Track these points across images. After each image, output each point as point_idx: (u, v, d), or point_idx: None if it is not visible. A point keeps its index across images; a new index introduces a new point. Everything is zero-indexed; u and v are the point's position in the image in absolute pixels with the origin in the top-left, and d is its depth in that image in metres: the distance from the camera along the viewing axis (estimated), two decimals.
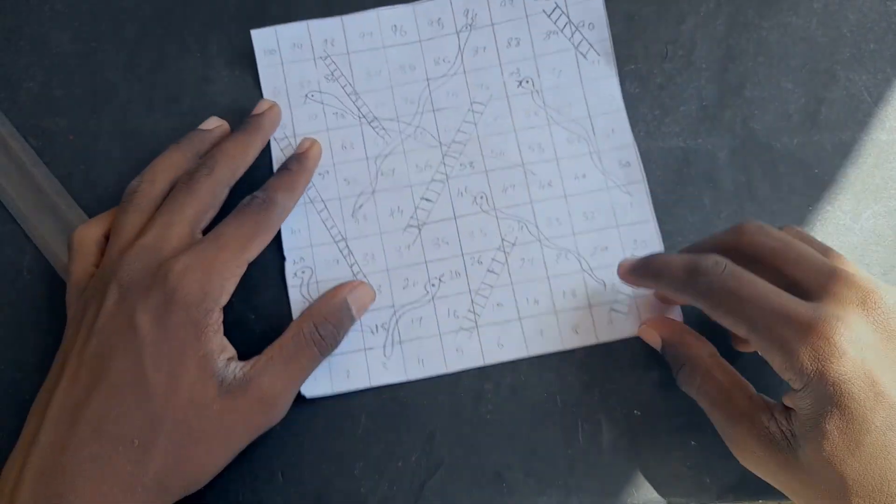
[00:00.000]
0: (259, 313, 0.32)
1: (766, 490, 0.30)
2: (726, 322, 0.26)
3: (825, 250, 0.27)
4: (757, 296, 0.25)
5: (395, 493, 0.30)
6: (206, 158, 0.30)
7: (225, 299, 0.27)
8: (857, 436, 0.23)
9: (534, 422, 0.31)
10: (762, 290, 0.25)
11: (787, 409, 0.25)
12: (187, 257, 0.27)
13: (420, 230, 0.33)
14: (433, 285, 0.32)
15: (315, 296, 0.32)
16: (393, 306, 0.32)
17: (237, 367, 0.27)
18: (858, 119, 0.35)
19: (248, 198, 0.30)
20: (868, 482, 0.23)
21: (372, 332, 0.32)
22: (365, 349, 0.32)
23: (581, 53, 0.35)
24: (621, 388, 0.31)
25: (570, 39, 0.35)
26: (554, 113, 0.34)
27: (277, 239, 0.33)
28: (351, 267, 0.33)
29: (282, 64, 0.35)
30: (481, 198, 0.33)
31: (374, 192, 0.34)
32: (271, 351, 0.28)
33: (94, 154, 0.34)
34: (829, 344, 0.23)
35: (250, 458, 0.30)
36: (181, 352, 0.26)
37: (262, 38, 0.35)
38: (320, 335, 0.29)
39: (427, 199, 0.33)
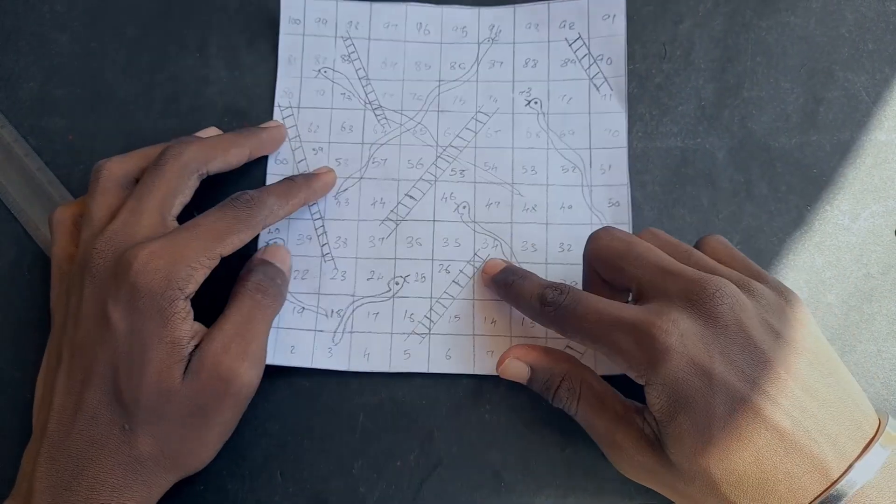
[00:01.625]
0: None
1: None
2: (575, 340, 0.27)
3: (684, 250, 0.28)
4: (593, 311, 0.26)
5: (394, 493, 0.30)
6: (182, 144, 0.29)
7: (192, 289, 0.27)
8: (705, 425, 0.24)
9: (532, 421, 0.31)
10: (596, 306, 0.26)
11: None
12: (155, 244, 0.26)
13: (397, 225, 0.33)
14: (397, 283, 0.32)
15: None
16: (353, 295, 0.32)
17: (197, 351, 0.27)
18: (857, 119, 0.35)
19: (238, 192, 0.29)
20: (733, 470, 0.23)
21: (326, 315, 0.32)
22: (315, 330, 0.32)
23: (595, 85, 0.35)
24: (618, 388, 0.31)
25: (586, 70, 0.35)
26: (555, 138, 0.34)
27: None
28: (322, 247, 0.33)
29: (303, 35, 0.35)
30: (464, 207, 0.33)
31: (361, 178, 0.34)
32: (222, 322, 0.28)
33: (93, 154, 0.34)
34: (655, 342, 0.24)
35: (249, 458, 0.31)
36: (148, 340, 0.26)
37: (290, 6, 0.35)
38: (256, 281, 0.29)
39: (411, 197, 0.33)
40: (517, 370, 0.30)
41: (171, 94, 0.35)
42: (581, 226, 0.33)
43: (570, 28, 0.35)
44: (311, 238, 0.33)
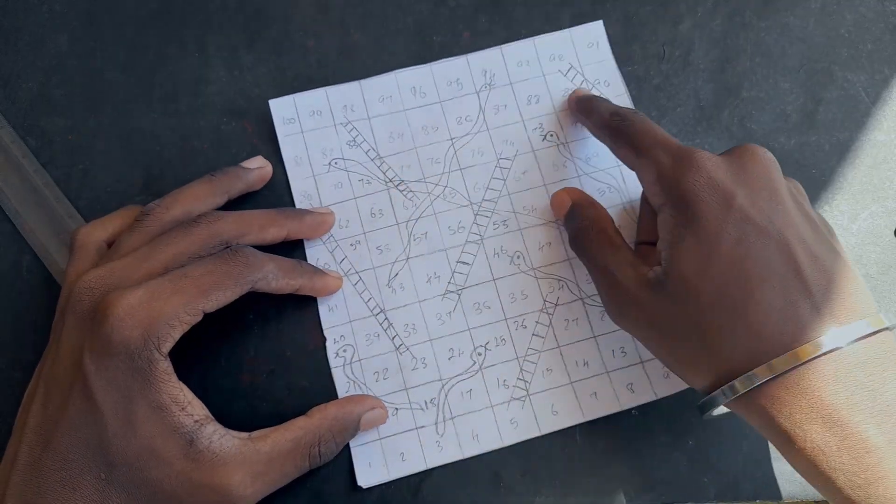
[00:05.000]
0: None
1: (764, 490, 0.30)
2: (622, 151, 0.30)
3: None
4: (649, 129, 0.29)
5: (393, 492, 0.30)
6: (222, 212, 0.29)
7: (168, 346, 0.25)
8: (711, 246, 0.25)
9: None
10: (655, 128, 0.29)
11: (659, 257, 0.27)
12: (134, 296, 0.25)
13: (460, 295, 0.32)
14: (479, 354, 0.31)
15: (359, 375, 0.31)
16: (441, 379, 0.31)
17: (216, 436, 0.25)
18: (856, 119, 0.35)
19: (235, 246, 0.28)
20: (723, 298, 0.25)
21: (422, 409, 0.31)
22: (416, 428, 0.31)
23: None
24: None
25: None
26: (582, 164, 0.34)
27: (316, 315, 0.32)
28: (392, 339, 0.31)
29: (302, 132, 0.34)
30: (518, 257, 0.33)
31: (408, 258, 0.33)
32: (261, 441, 0.26)
33: (92, 154, 0.34)
34: (690, 159, 0.26)
35: None
36: (131, 399, 0.25)
37: (280, 107, 0.34)
38: (319, 452, 0.28)
39: (463, 262, 0.33)
40: (560, 200, 0.32)
41: (171, 94, 0.35)
42: (635, 243, 0.32)
43: (560, 60, 0.35)
44: (378, 335, 0.32)
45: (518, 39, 0.35)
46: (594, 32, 0.36)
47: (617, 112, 0.30)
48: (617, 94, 0.35)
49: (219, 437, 0.25)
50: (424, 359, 0.31)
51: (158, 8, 0.36)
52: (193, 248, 0.27)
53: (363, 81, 0.35)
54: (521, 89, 0.35)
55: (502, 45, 0.35)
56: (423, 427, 0.31)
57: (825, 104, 0.35)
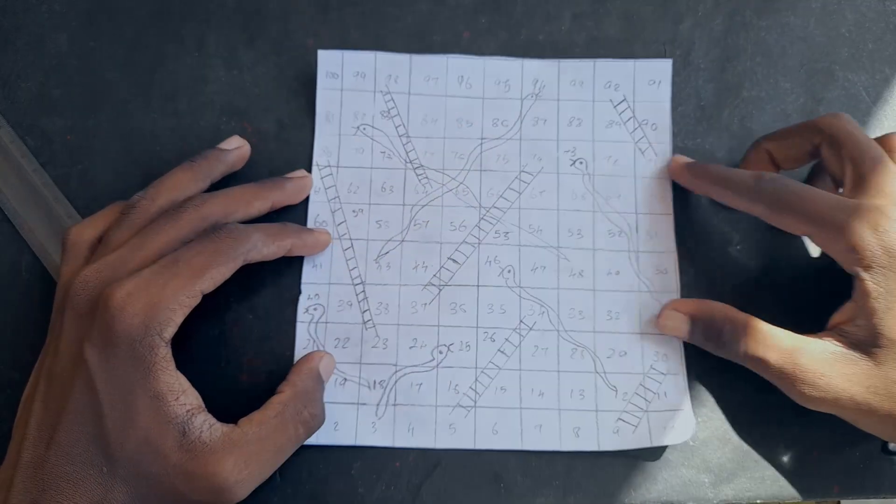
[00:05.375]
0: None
1: (765, 490, 0.30)
2: (787, 220, 0.28)
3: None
4: (815, 193, 0.27)
5: (393, 494, 0.30)
6: (206, 194, 0.29)
7: (170, 332, 0.26)
8: None
9: None
10: (818, 190, 0.27)
11: (839, 326, 0.27)
12: (131, 284, 0.25)
13: (440, 291, 0.32)
14: (440, 352, 0.31)
15: (321, 336, 0.31)
16: (395, 364, 0.31)
17: (206, 426, 0.26)
18: (857, 119, 0.34)
19: (221, 224, 0.28)
20: None
21: (369, 387, 0.31)
22: (358, 404, 0.31)
23: (640, 150, 0.34)
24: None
25: (630, 134, 0.34)
26: (601, 200, 0.33)
27: (298, 265, 0.32)
28: (363, 314, 0.32)
29: (341, 90, 0.34)
30: (508, 272, 0.32)
31: (403, 241, 0.33)
32: (247, 425, 0.26)
33: (91, 154, 0.34)
34: (885, 217, 0.25)
35: None
36: (131, 390, 0.25)
37: (328, 60, 0.34)
38: (309, 413, 0.28)
39: (454, 261, 0.32)
40: (677, 323, 0.30)
41: (170, 93, 0.35)
42: (627, 293, 0.32)
43: (615, 89, 0.34)
44: (351, 304, 0.32)
45: (518, 39, 0.35)
46: (660, 71, 0.35)
47: (760, 176, 0.29)
48: (661, 140, 0.34)
49: (208, 427, 0.26)
50: (387, 340, 0.31)
51: (158, 7, 0.36)
52: (183, 234, 0.27)
53: (414, 56, 0.35)
54: (565, 108, 0.34)
55: (560, 60, 0.35)
56: (364, 405, 0.31)
57: (826, 104, 0.35)
